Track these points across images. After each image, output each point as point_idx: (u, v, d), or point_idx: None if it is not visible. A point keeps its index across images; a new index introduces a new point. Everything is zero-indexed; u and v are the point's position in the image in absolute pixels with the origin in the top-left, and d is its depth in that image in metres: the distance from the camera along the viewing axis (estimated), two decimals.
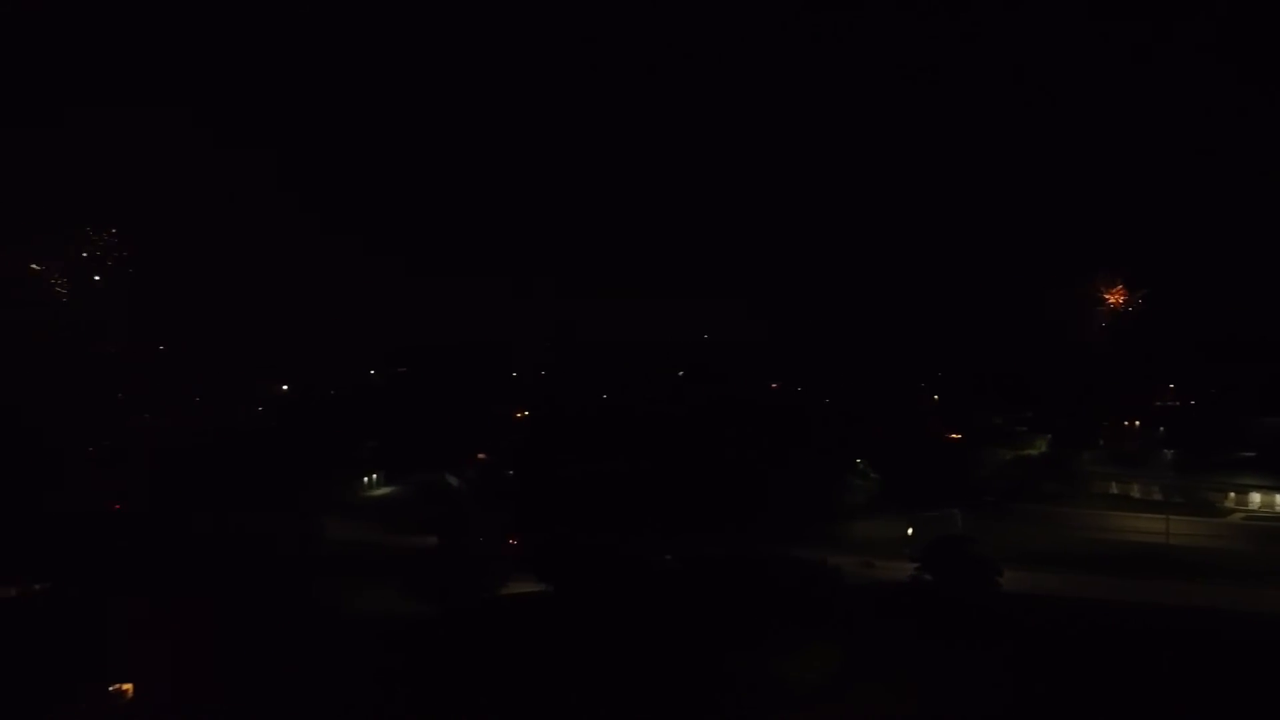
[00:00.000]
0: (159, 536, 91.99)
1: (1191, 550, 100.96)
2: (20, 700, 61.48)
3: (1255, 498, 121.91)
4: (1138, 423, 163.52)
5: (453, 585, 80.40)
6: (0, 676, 63.94)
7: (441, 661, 69.62)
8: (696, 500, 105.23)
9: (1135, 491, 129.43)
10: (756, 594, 70.97)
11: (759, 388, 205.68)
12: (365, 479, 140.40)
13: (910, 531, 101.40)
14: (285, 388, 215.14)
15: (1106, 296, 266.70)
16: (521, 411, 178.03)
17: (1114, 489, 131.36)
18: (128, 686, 64.83)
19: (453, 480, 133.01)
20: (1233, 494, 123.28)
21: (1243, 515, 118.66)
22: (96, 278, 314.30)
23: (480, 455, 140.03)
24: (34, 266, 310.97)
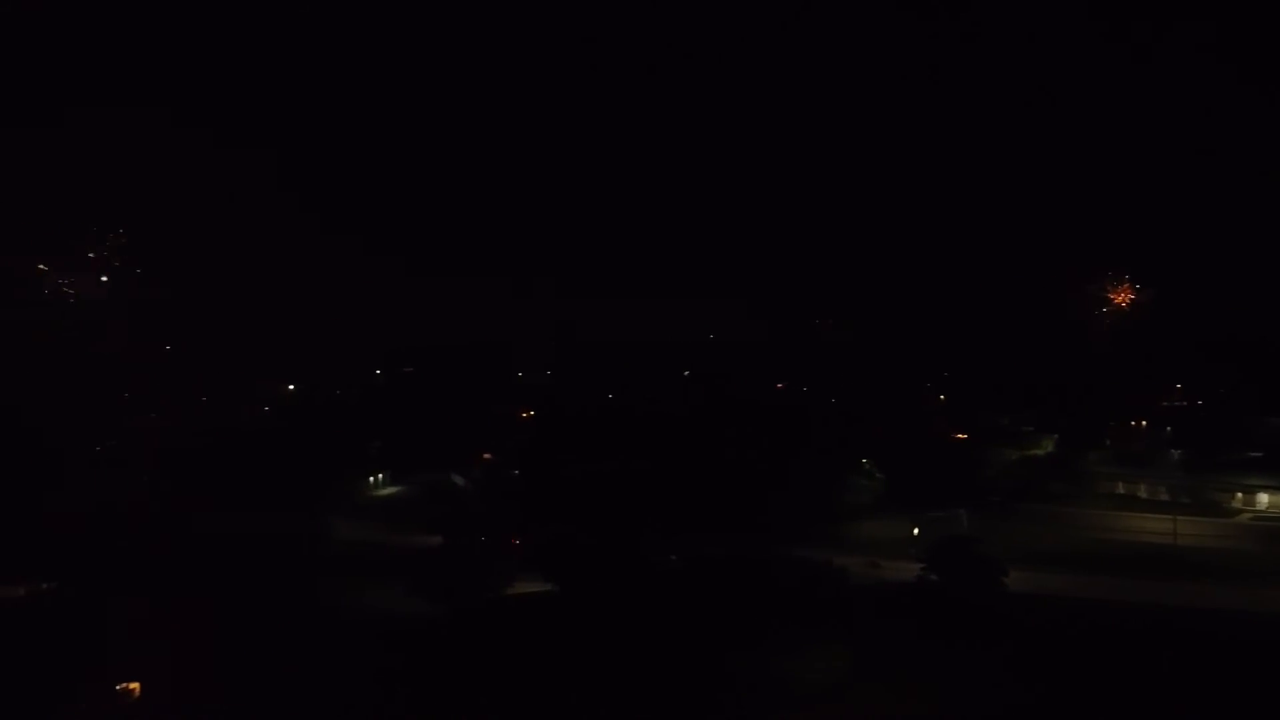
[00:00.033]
0: (164, 536, 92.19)
1: (1198, 551, 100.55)
2: (27, 699, 61.67)
3: (1263, 498, 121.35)
4: (1144, 423, 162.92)
5: (458, 585, 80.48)
6: (7, 676, 64.23)
7: (446, 661, 69.69)
8: (702, 500, 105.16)
9: (1142, 492, 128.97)
10: (762, 594, 70.94)
11: (764, 388, 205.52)
12: (371, 479, 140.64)
13: (916, 532, 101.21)
14: (291, 388, 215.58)
15: (1113, 296, 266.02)
16: (527, 411, 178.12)
17: (1120, 489, 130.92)
18: (134, 686, 64.97)
19: (458, 480, 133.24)
20: (1240, 494, 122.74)
21: (1250, 516, 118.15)
22: (104, 279, 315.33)
23: (486, 455, 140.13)
24: (40, 266, 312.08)
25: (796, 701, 62.40)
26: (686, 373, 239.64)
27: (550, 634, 72.47)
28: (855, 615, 71.70)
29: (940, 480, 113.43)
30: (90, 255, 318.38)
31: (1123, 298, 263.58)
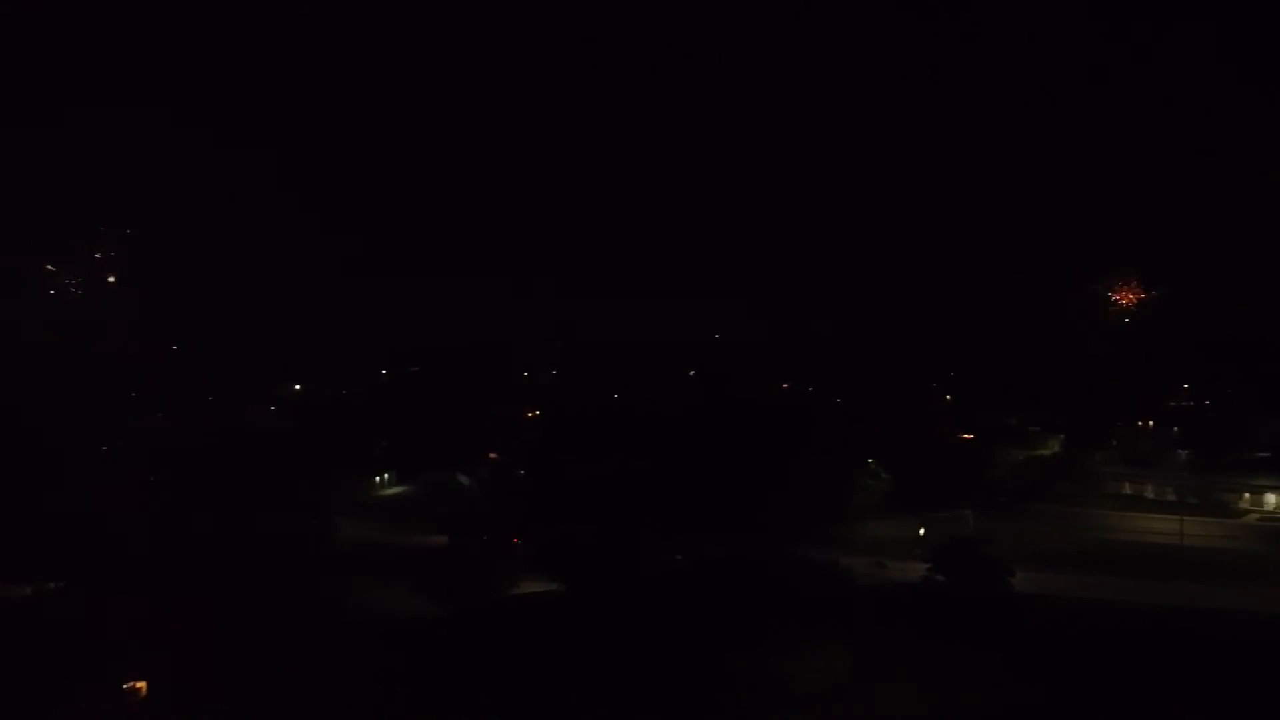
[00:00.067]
0: (171, 536, 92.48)
1: (1205, 551, 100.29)
2: (34, 698, 61.87)
3: (1270, 498, 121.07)
4: (1151, 423, 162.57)
5: (463, 585, 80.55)
6: (14, 675, 64.46)
7: (451, 661, 69.77)
8: (706, 501, 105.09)
9: (1149, 492, 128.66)
10: (766, 594, 70.92)
11: (769, 388, 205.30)
12: (376, 478, 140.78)
13: (921, 532, 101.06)
14: (297, 387, 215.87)
15: (1119, 296, 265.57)
16: (532, 412, 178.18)
17: (1127, 489, 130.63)
18: (141, 685, 65.14)
19: (464, 480, 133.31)
20: (1247, 495, 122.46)
21: (1257, 516, 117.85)
22: (111, 279, 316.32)
23: (491, 455, 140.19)
24: (49, 267, 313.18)
25: (801, 702, 62.36)
26: (691, 373, 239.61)
27: (555, 634, 72.51)
28: (860, 615, 71.65)
29: (946, 480, 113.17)
30: (96, 255, 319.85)
31: (1129, 297, 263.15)
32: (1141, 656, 68.71)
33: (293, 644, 71.60)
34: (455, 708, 62.98)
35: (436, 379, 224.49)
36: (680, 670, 65.21)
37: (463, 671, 67.77)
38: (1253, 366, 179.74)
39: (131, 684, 64.89)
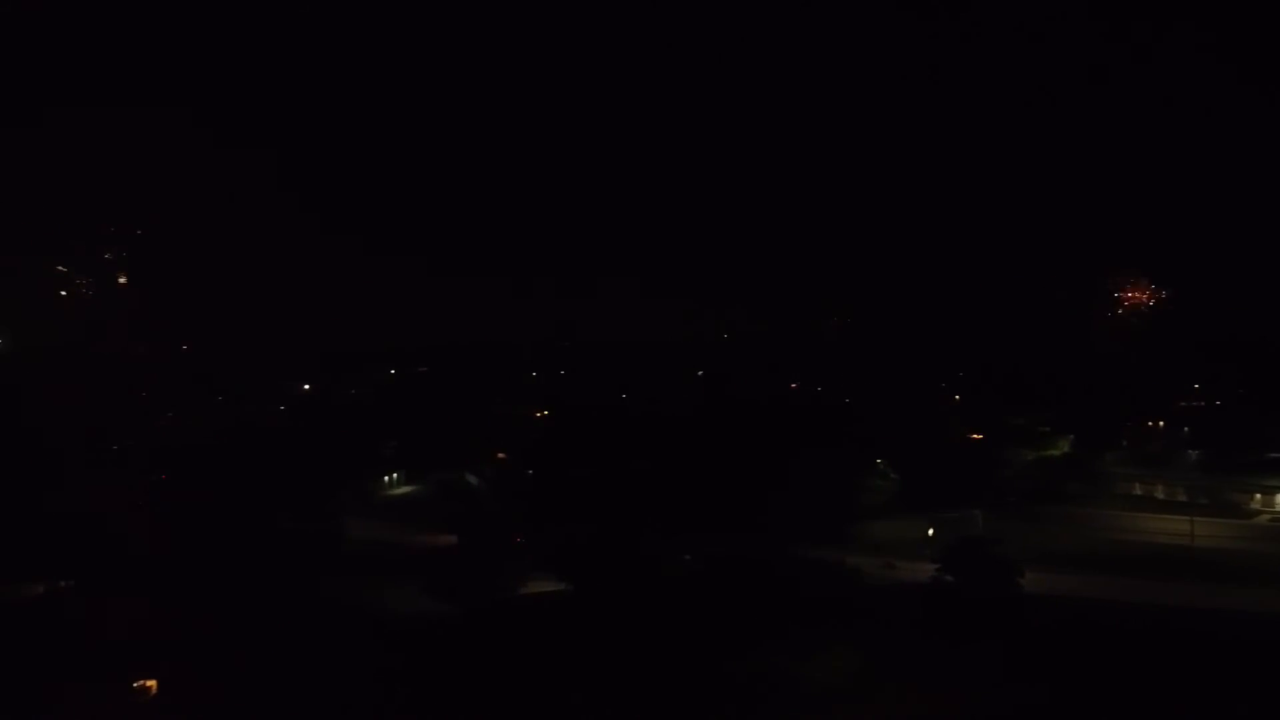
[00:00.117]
0: (180, 535, 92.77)
1: (1216, 552, 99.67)
2: (45, 696, 62.14)
3: None
4: (1162, 423, 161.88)
5: (471, 584, 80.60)
6: (26, 672, 64.75)
7: (459, 661, 69.84)
8: (715, 501, 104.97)
9: (1159, 492, 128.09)
10: (775, 595, 70.78)
11: (778, 387, 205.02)
12: (385, 478, 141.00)
13: (931, 532, 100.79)
14: (306, 387, 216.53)
15: (1130, 296, 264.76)
16: (540, 411, 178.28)
17: (1137, 490, 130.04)
18: (151, 683, 65.35)
19: (472, 479, 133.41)
20: (1259, 495, 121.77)
21: (1269, 517, 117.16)
22: (121, 280, 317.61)
23: (499, 455, 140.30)
24: (60, 268, 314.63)
25: (809, 702, 62.27)
26: (699, 372, 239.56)
27: (563, 634, 72.51)
28: (869, 616, 71.44)
29: (955, 481, 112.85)
30: (106, 256, 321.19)
31: (1139, 297, 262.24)
32: (1151, 657, 68.41)
33: (301, 643, 71.79)
34: (463, 707, 63.04)
35: (444, 379, 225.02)
36: (688, 671, 65.15)
37: (471, 671, 67.84)
38: (1263, 366, 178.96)
39: (141, 682, 65.09)
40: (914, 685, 65.29)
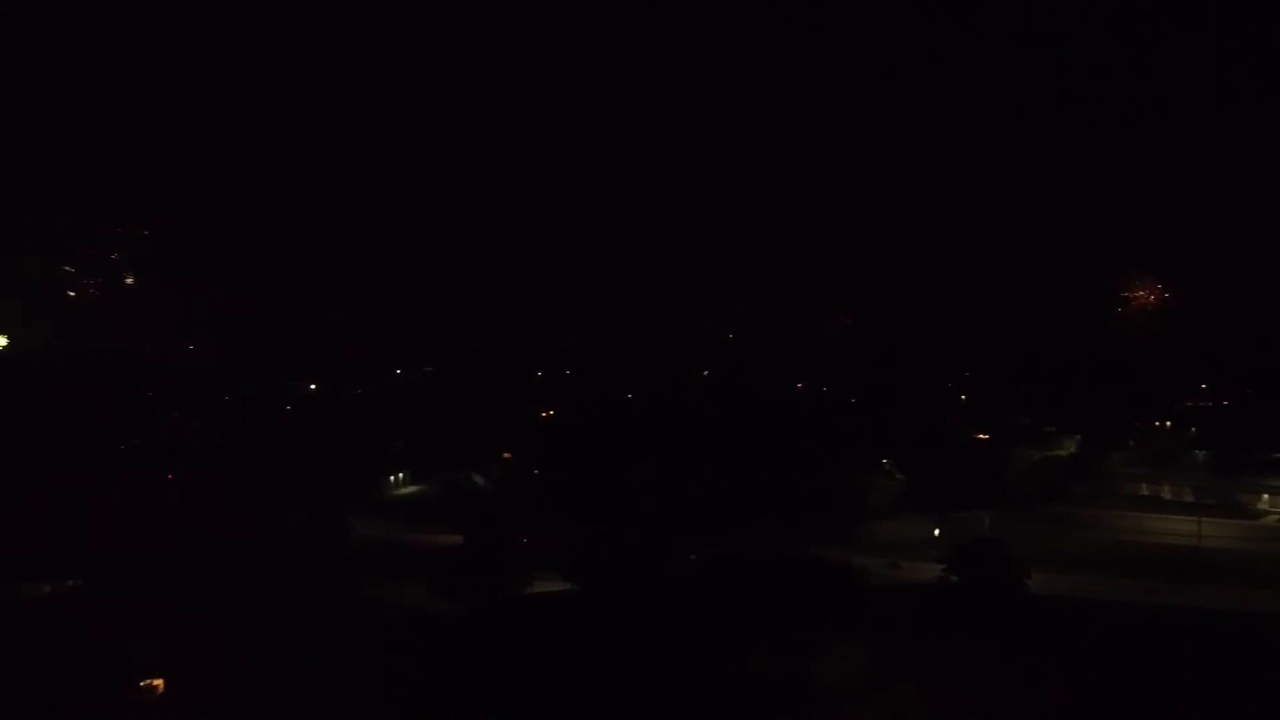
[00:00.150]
0: (188, 534, 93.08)
1: (1223, 553, 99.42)
2: (53, 695, 62.37)
3: None
4: (1168, 423, 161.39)
5: (478, 584, 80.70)
6: (34, 671, 65.01)
7: (465, 660, 69.93)
8: (721, 500, 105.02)
9: (1166, 493, 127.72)
10: (780, 594, 70.68)
11: (783, 387, 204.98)
12: (391, 478, 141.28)
13: (936, 533, 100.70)
14: (313, 387, 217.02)
15: (1137, 295, 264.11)
16: (546, 411, 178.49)
17: (1144, 490, 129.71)
18: (158, 682, 65.56)
19: (478, 479, 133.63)
20: (1266, 496, 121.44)
21: (1276, 518, 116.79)
22: (129, 280, 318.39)
23: (506, 455, 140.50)
24: (67, 268, 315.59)
25: (815, 702, 62.24)
26: (706, 373, 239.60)
27: (569, 634, 72.54)
28: (875, 616, 71.34)
29: (961, 481, 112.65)
30: (114, 257, 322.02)
31: (1146, 297, 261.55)
32: (1158, 658, 68.25)
33: (307, 642, 71.98)
34: (469, 707, 63.11)
35: (450, 379, 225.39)
36: (694, 671, 65.13)
37: (477, 671, 67.91)
38: (1270, 366, 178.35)
39: (149, 681, 65.29)
40: (920, 685, 65.23)
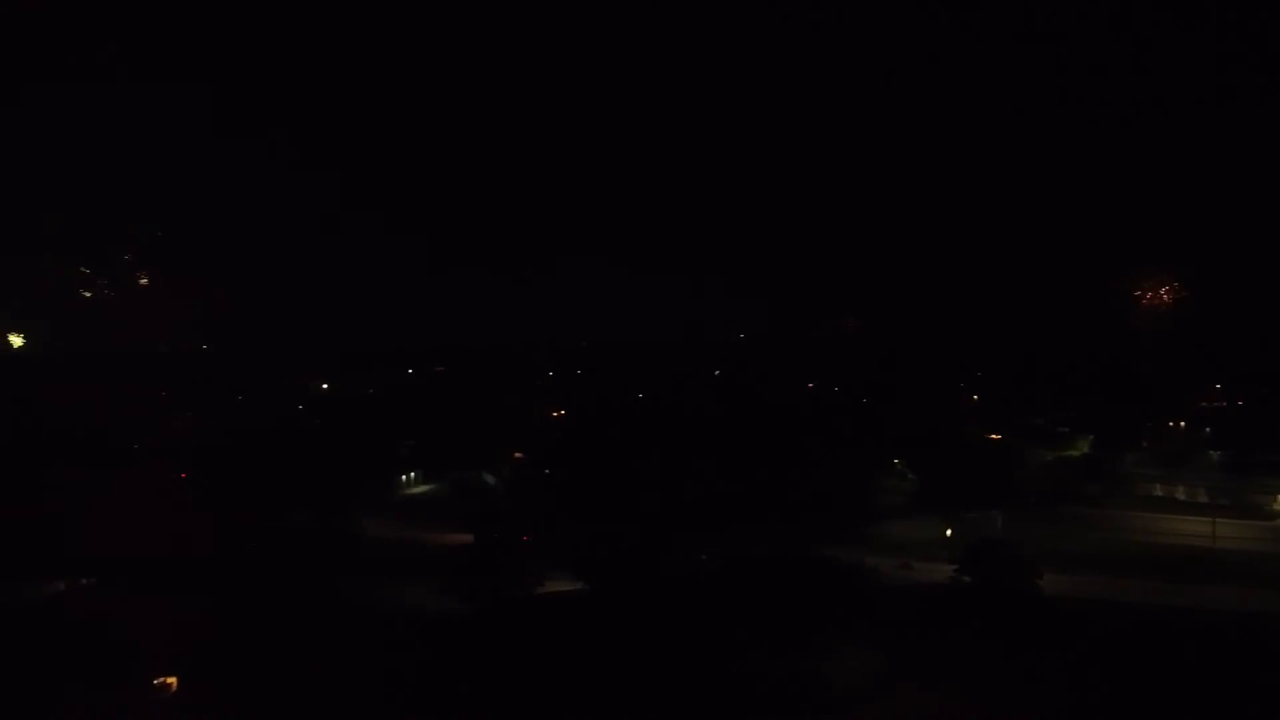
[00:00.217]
0: (200, 533, 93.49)
1: (1237, 553, 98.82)
2: (65, 692, 62.69)
3: None
4: (1182, 423, 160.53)
5: (488, 583, 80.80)
6: (46, 669, 65.38)
7: (474, 659, 70.01)
8: (732, 500, 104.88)
9: (1180, 493, 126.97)
10: (792, 594, 70.54)
11: (794, 387, 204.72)
12: (402, 477, 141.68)
13: (949, 533, 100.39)
14: (325, 386, 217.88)
15: (1151, 295, 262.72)
16: (557, 411, 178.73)
17: (1158, 491, 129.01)
18: (171, 680, 65.86)
19: (489, 479, 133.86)
20: None
21: None
22: (142, 280, 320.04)
23: (516, 454, 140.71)
24: (82, 269, 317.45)
25: (825, 703, 62.07)
26: (716, 372, 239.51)
27: (579, 633, 72.57)
28: (886, 617, 71.15)
29: (973, 481, 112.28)
30: (127, 257, 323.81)
31: (1160, 298, 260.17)
32: (1170, 660, 67.89)
33: (318, 641, 72.20)
34: (479, 706, 63.15)
35: (461, 379, 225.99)
36: (704, 671, 65.07)
37: (487, 670, 67.98)
38: None
39: (161, 680, 65.59)
40: (931, 686, 65.01)
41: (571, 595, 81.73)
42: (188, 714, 62.29)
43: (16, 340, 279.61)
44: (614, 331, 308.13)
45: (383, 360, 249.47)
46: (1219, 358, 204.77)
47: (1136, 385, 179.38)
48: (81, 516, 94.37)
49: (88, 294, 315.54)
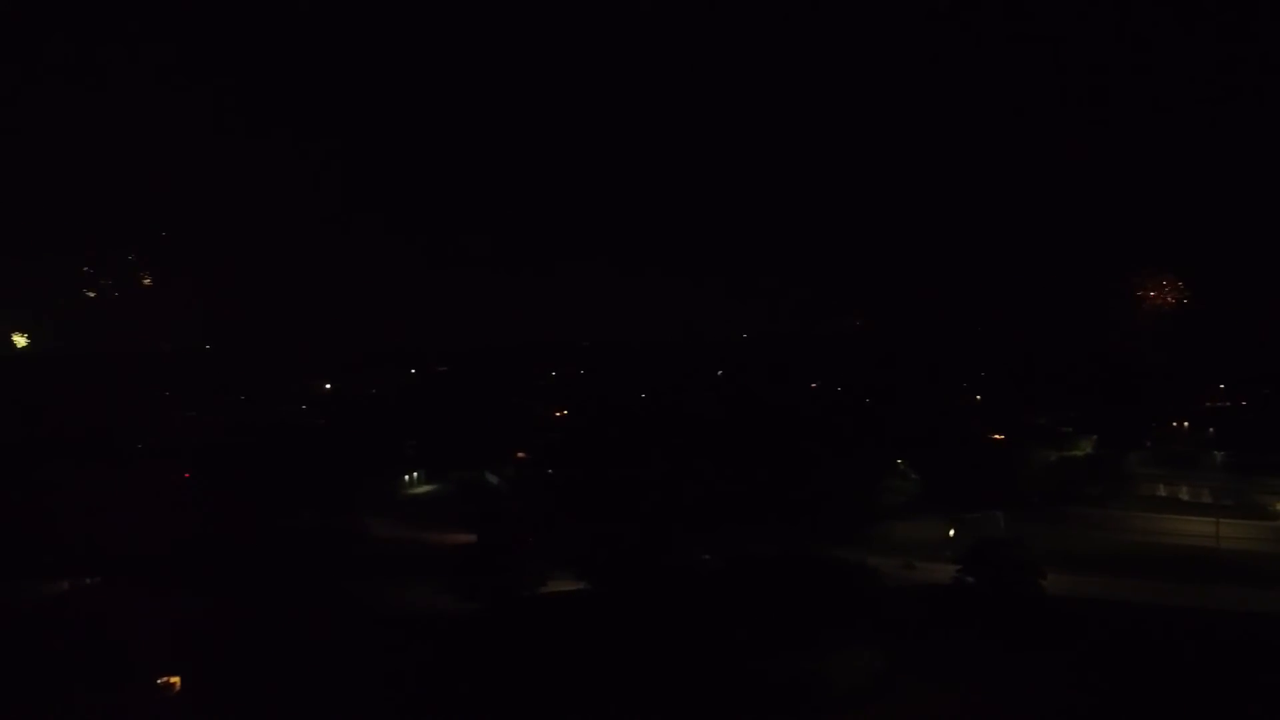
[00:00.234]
0: (204, 533, 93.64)
1: (1242, 554, 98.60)
2: (69, 692, 62.78)
3: None
4: (1186, 423, 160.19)
5: (491, 583, 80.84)
6: (50, 668, 65.47)
7: (478, 659, 70.05)
8: (735, 500, 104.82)
9: (1184, 494, 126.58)
10: (795, 594, 70.53)
11: (797, 387, 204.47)
12: (406, 477, 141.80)
13: (951, 533, 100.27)
14: (328, 386, 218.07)
15: (1154, 294, 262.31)
16: (560, 410, 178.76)
17: (1162, 491, 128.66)
18: (175, 680, 65.95)
19: (492, 479, 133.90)
20: None
21: None
22: (146, 281, 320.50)
23: (519, 454, 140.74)
24: (85, 269, 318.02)
25: (828, 703, 62.07)
26: (719, 372, 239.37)
27: (583, 633, 72.57)
28: (889, 617, 71.11)
29: (976, 481, 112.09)
30: (130, 258, 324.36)
31: (1164, 296, 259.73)
32: (1175, 660, 67.78)
33: (321, 641, 72.26)
34: (483, 706, 63.20)
35: (465, 378, 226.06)
36: (707, 671, 65.05)
37: (490, 670, 68.02)
38: None
39: (164, 679, 65.67)
40: (934, 686, 64.98)
41: (574, 595, 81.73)
42: (191, 713, 62.38)
43: (20, 340, 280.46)
44: (616, 331, 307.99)
45: (386, 360, 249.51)
46: (1222, 358, 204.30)
47: (1140, 385, 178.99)
48: (85, 516, 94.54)
49: (91, 294, 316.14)
